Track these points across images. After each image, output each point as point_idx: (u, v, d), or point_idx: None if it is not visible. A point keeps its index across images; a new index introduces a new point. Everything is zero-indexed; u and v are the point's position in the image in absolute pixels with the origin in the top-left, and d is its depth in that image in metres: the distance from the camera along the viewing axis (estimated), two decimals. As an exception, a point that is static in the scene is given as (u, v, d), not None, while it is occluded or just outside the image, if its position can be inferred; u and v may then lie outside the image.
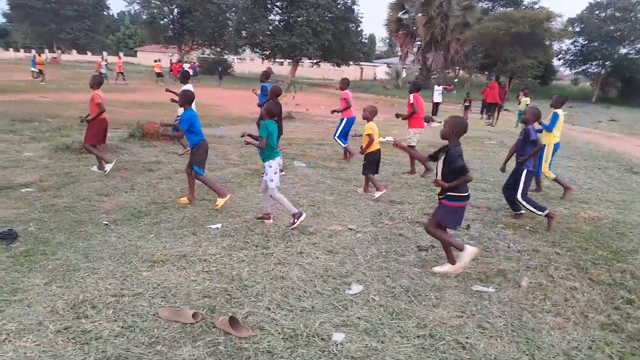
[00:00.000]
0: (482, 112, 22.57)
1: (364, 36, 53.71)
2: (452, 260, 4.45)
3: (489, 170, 9.21)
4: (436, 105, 21.81)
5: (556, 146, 7.63)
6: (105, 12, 68.41)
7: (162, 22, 53.53)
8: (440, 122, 18.22)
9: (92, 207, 5.86)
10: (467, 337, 3.34)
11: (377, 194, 6.91)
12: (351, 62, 50.60)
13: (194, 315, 3.38)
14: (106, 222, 5.30)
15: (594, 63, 48.96)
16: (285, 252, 4.71)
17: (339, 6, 45.77)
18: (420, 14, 41.62)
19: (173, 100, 8.79)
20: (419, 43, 44.70)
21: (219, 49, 53.31)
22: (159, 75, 33.07)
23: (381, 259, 4.70)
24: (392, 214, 6.23)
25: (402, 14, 43.79)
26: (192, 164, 6.07)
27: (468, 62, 46.21)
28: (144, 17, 54.87)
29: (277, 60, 51.61)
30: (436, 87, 22.36)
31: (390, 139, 9.02)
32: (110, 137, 10.19)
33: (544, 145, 6.51)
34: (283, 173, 7.96)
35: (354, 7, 47.55)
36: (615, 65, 47.03)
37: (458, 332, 3.41)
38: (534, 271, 4.54)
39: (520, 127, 6.41)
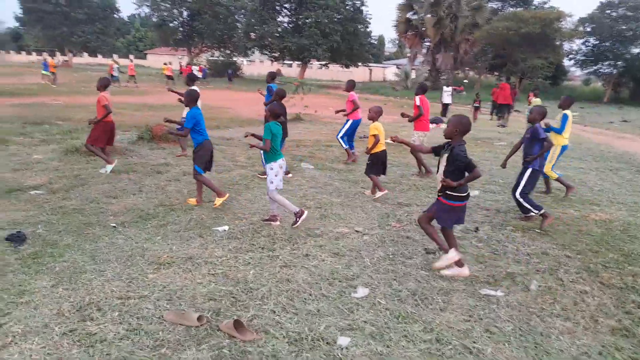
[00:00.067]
0: (491, 113, 22.40)
1: (372, 37, 53.66)
2: (459, 263, 4.41)
3: (498, 172, 9.12)
4: (445, 106, 21.70)
5: (564, 148, 7.55)
6: (115, 15, 68.91)
7: (171, 24, 53.78)
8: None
9: (100, 209, 5.89)
10: (474, 342, 3.30)
11: (379, 194, 6.94)
12: (360, 64, 50.53)
13: (199, 318, 3.37)
14: (114, 224, 5.32)
15: (606, 63, 48.38)
16: (291, 255, 4.69)
17: (347, 7, 45.77)
18: (429, 15, 41.45)
19: (180, 101, 8.83)
20: (428, 44, 44.55)
21: (228, 51, 53.50)
22: (169, 78, 33.26)
23: (388, 261, 4.67)
24: (399, 216, 6.19)
25: (411, 14, 43.66)
26: (195, 163, 6.10)
27: (477, 62, 45.94)
28: (154, 19, 55.20)
29: (286, 62, 51.70)
30: (445, 88, 22.26)
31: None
32: (119, 139, 10.29)
33: (553, 144, 6.44)
34: (290, 175, 7.96)
35: (363, 8, 47.53)
36: (627, 65, 46.45)
37: (465, 336, 3.37)
38: (543, 274, 4.48)
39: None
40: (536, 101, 17.01)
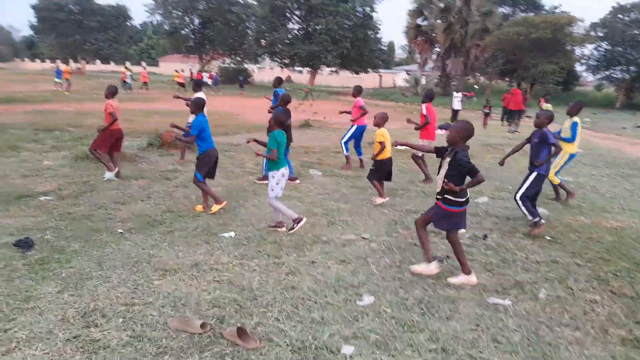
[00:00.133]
0: (502, 119, 22.25)
1: (382, 44, 53.71)
2: (467, 270, 4.36)
3: (508, 179, 9.03)
4: (455, 112, 21.60)
5: (572, 156, 7.45)
6: (128, 23, 69.81)
7: (183, 32, 54.34)
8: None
9: (109, 215, 5.92)
10: (481, 352, 3.24)
11: (379, 200, 6.94)
12: (370, 70, 50.59)
13: (202, 326, 3.35)
14: (121, 231, 5.34)
15: (618, 68, 47.91)
16: (297, 262, 4.67)
17: (357, 14, 45.90)
18: (439, 21, 41.46)
19: (188, 106, 8.88)
20: (438, 50, 44.51)
21: (239, 58, 53.87)
22: (181, 85, 33.54)
23: (394, 269, 4.63)
24: (407, 223, 6.14)
25: (421, 20, 43.69)
26: (196, 169, 6.14)
27: (488, 68, 45.77)
28: (166, 27, 55.83)
29: (296, 68, 51.89)
30: (455, 93, 22.17)
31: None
32: (130, 145, 10.39)
33: (562, 149, 6.38)
34: (298, 181, 7.95)
35: (373, 14, 47.63)
36: (640, 71, 46.01)
37: (472, 346, 3.32)
38: (553, 283, 4.42)
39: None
40: (547, 107, 16.87)
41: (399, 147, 5.13)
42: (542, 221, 6.10)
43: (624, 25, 45.59)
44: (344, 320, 3.60)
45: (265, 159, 5.46)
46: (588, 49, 46.94)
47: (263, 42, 48.16)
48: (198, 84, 9.13)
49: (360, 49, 45.99)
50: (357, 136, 9.44)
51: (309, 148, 11.78)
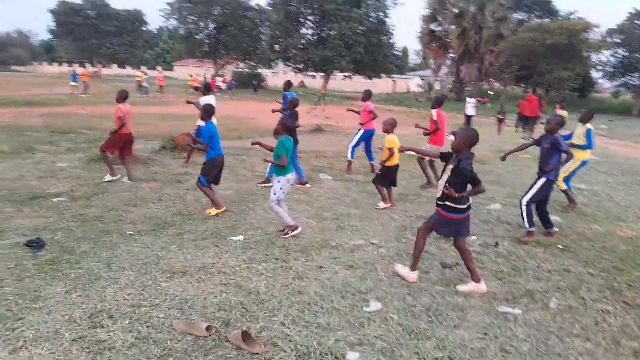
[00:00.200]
0: (516, 125, 22.03)
1: (396, 49, 53.61)
2: (476, 278, 4.30)
3: (520, 185, 8.91)
4: (469, 118, 21.44)
5: (584, 162, 7.33)
6: (144, 28, 70.59)
7: (198, 37, 54.78)
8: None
9: (119, 217, 5.97)
10: (488, 361, 3.19)
11: (382, 205, 6.94)
12: (383, 75, 50.50)
13: (208, 328, 3.35)
14: (131, 232, 5.38)
15: (635, 75, 47.17)
16: (304, 266, 4.65)
17: (370, 19, 45.91)
18: (453, 26, 41.25)
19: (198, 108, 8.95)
20: (452, 55, 44.29)
21: (252, 63, 54.16)
22: (196, 89, 33.80)
23: (403, 275, 4.57)
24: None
25: (435, 26, 43.53)
26: (200, 172, 6.20)
27: (503, 74, 45.38)
28: (181, 32, 56.35)
29: (309, 73, 52.01)
30: (468, 99, 22.00)
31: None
32: (143, 148, 10.48)
33: (573, 156, 6.28)
34: (308, 185, 7.94)
35: (386, 20, 47.59)
36: (658, 77, 45.28)
37: (479, 355, 3.27)
38: (564, 292, 4.34)
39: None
40: (562, 113, 16.71)
41: (406, 152, 5.10)
42: (555, 229, 6.03)
43: (641, 31, 44.95)
44: (350, 326, 3.57)
45: (270, 165, 5.47)
46: (604, 55, 46.27)
47: (277, 47, 48.36)
48: (207, 88, 9.18)
49: (373, 54, 45.94)
50: (366, 140, 9.38)
51: (321, 152, 11.77)
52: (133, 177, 7.73)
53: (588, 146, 7.21)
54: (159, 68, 46.40)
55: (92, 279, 4.11)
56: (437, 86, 44.01)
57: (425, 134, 8.51)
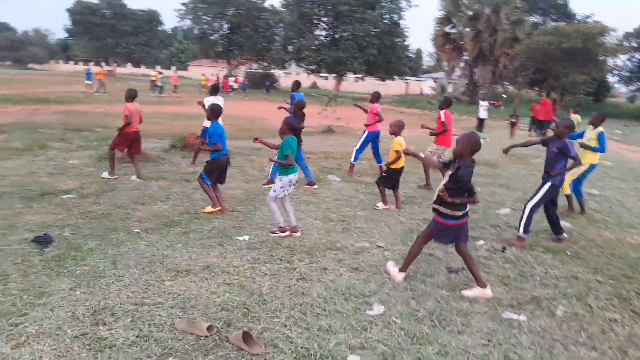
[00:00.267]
0: (530, 129, 21.81)
1: (410, 51, 53.46)
2: (481, 283, 4.25)
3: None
4: (481, 121, 21.30)
5: (593, 166, 7.20)
6: (159, 28, 71.29)
7: (212, 37, 55.15)
8: (485, 139, 17.74)
9: (127, 214, 6.00)
10: (491, 368, 3.15)
11: (380, 206, 6.94)
12: (396, 77, 50.36)
13: (209, 328, 3.35)
14: (138, 230, 5.40)
15: (652, 79, 46.57)
16: (308, 268, 4.63)
17: (385, 21, 45.81)
18: (467, 29, 41.01)
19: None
20: (466, 58, 44.02)
21: (266, 64, 54.39)
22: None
23: (407, 279, 4.53)
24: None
25: (449, 28, 43.31)
26: (203, 170, 6.24)
27: (517, 77, 44.98)
28: (196, 32, 56.76)
29: (322, 74, 52.05)
30: (481, 102, 21.86)
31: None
32: (154, 147, 10.55)
33: (581, 163, 6.19)
34: (316, 186, 7.93)
35: (400, 22, 47.47)
36: (676, 82, 44.57)
37: (481, 361, 3.22)
38: (571, 300, 4.26)
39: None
40: (576, 117, 16.53)
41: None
42: (565, 235, 5.94)
43: (659, 36, 44.32)
44: (352, 329, 3.54)
45: (273, 163, 5.49)
46: (621, 60, 45.74)
47: (290, 48, 48.48)
48: (215, 89, 9.21)
49: (387, 56, 45.85)
50: (372, 142, 9.31)
51: (330, 154, 11.75)
52: (142, 176, 7.78)
53: (601, 149, 7.10)
54: (174, 68, 46.82)
55: (96, 276, 4.14)
56: (450, 88, 43.77)
57: (431, 134, 8.47)
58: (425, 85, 59.47)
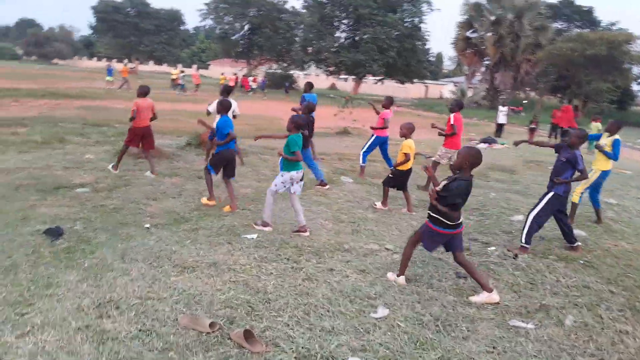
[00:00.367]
0: (550, 135, 21.48)
1: (431, 54, 53.10)
2: (487, 288, 4.19)
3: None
4: (500, 126, 21.04)
5: (606, 173, 7.01)
6: (181, 27, 72.13)
7: (233, 37, 55.55)
8: (503, 144, 17.51)
9: (139, 210, 6.06)
10: (494, 376, 3.09)
11: (378, 205, 7.01)
12: (416, 80, 50.05)
13: (211, 325, 3.35)
14: (148, 226, 5.45)
15: (679, 89, 45.43)
16: (315, 268, 4.61)
17: (405, 24, 45.55)
18: (489, 33, 40.55)
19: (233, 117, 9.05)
20: (487, 62, 43.51)
21: (285, 64, 54.60)
22: (234, 88, 34.25)
23: (415, 283, 4.49)
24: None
25: (471, 32, 42.90)
26: (209, 162, 6.38)
27: (539, 83, 44.32)
28: (217, 32, 57.25)
29: (341, 76, 52.00)
30: (501, 107, 21.57)
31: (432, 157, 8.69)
32: (170, 144, 10.67)
33: (587, 177, 6.07)
34: (327, 187, 7.91)
35: (422, 25, 47.17)
36: (703, 92, 43.41)
37: (485, 368, 3.16)
38: (581, 309, 4.16)
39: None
40: (596, 126, 16.24)
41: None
42: (579, 243, 5.82)
43: (687, 44, 43.18)
44: (354, 331, 3.52)
45: (280, 159, 5.56)
46: (647, 68, 44.68)
47: (310, 49, 48.52)
48: (227, 90, 9.24)
49: (407, 59, 45.55)
50: (380, 147, 9.25)
51: (344, 155, 11.73)
52: (156, 172, 7.85)
53: (614, 157, 6.92)
54: (195, 67, 47.32)
55: (104, 270, 4.18)
56: (470, 93, 43.36)
57: (440, 134, 8.41)
58: (445, 89, 59.03)
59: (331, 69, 48.73)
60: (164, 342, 3.16)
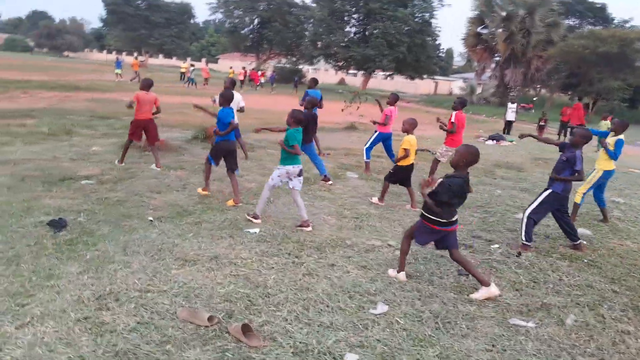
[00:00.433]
0: (559, 133, 21.29)
1: (441, 50, 52.76)
2: (485, 282, 4.18)
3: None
4: (509, 123, 20.89)
5: (609, 173, 6.93)
6: (191, 21, 72.21)
7: (242, 31, 55.55)
8: (511, 142, 17.38)
9: (142, 202, 6.09)
10: (491, 374, 3.07)
11: (374, 200, 7.05)
12: (425, 76, 49.80)
13: (210, 319, 3.36)
14: (151, 218, 5.47)
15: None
16: (316, 263, 4.61)
17: (416, 20, 45.25)
18: (500, 30, 40.15)
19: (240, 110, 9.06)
20: (497, 58, 43.13)
21: (294, 59, 54.52)
22: (241, 82, 34.33)
23: (415, 279, 4.47)
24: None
25: (481, 28, 42.49)
26: (209, 153, 6.49)
27: (550, 80, 43.86)
28: (227, 26, 57.28)
29: (350, 71, 51.83)
30: (510, 104, 21.41)
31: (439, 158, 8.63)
32: (176, 137, 10.71)
33: (583, 179, 6.01)
34: (330, 182, 7.89)
35: (432, 20, 46.85)
36: None
37: (482, 367, 3.14)
38: (583, 309, 4.12)
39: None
40: (606, 124, 16.05)
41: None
42: (583, 242, 5.76)
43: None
44: (353, 327, 3.51)
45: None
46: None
47: (319, 44, 48.39)
48: (233, 84, 9.26)
49: (417, 55, 45.26)
50: (384, 143, 9.22)
51: (351, 150, 11.70)
52: (160, 164, 7.87)
53: (613, 156, 6.83)
54: (204, 60, 47.39)
55: (105, 262, 4.20)
56: (479, 89, 43.03)
57: (441, 128, 8.39)
58: (454, 85, 58.66)
59: (340, 63, 48.57)
60: (161, 335, 3.17)
